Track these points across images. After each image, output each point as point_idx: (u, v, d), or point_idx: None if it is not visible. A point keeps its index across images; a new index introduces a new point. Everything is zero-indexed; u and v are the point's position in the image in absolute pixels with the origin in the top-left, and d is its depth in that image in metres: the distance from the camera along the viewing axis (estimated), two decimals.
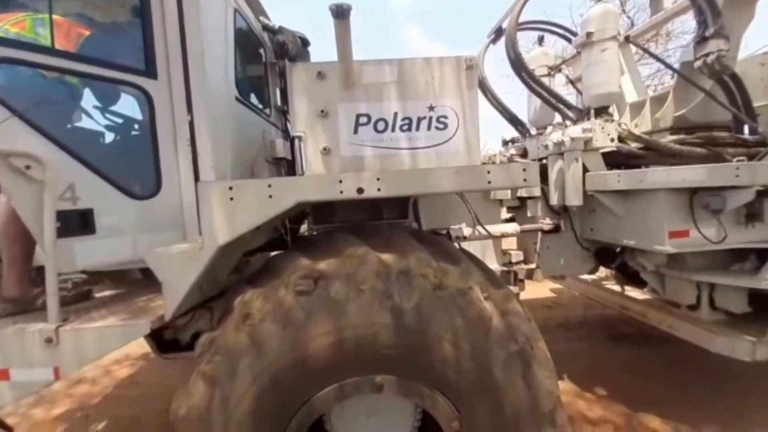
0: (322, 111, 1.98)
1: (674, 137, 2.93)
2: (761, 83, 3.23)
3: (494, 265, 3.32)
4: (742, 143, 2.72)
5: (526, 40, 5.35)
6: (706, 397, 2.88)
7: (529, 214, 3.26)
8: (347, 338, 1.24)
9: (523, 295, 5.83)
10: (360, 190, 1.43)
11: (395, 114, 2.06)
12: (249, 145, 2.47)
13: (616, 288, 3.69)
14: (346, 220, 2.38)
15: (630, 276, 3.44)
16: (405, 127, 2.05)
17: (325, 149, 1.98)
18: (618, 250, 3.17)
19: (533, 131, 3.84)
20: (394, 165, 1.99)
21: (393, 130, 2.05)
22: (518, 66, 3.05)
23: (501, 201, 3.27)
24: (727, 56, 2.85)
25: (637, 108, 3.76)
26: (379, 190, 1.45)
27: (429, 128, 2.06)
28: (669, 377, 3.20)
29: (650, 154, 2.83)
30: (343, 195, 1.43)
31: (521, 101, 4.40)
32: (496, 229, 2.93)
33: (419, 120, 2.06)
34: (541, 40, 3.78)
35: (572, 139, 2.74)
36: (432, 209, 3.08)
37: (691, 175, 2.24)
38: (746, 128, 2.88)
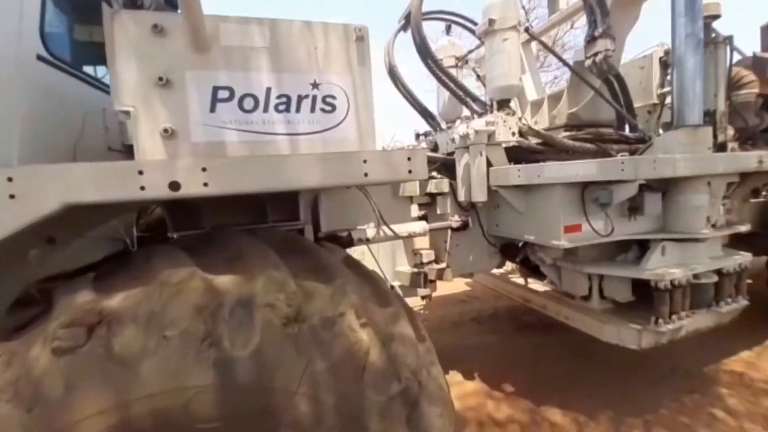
0: (161, 79, 1.46)
1: (567, 134, 3.02)
2: (640, 86, 3.54)
3: (405, 267, 3.11)
4: (625, 140, 2.90)
5: (435, 31, 5.28)
6: (600, 384, 3.05)
7: (438, 212, 3.10)
8: (138, 416, 0.80)
9: (439, 291, 5.91)
10: (174, 186, 0.99)
11: (268, 90, 1.63)
12: (70, 125, 1.81)
13: (521, 281, 3.79)
14: (219, 223, 1.89)
15: (533, 269, 3.53)
16: (282, 107, 1.64)
17: (166, 131, 1.46)
18: (521, 244, 3.19)
19: (443, 125, 3.73)
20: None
21: (266, 110, 1.62)
22: (424, 52, 2.85)
23: (411, 198, 3.06)
24: (613, 56, 3.01)
25: (536, 106, 3.89)
26: (206, 185, 1.03)
27: (313, 110, 1.68)
28: (568, 366, 3.35)
29: (548, 149, 2.86)
30: (146, 194, 0.97)
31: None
32: (403, 228, 2.69)
33: (300, 99, 1.66)
34: (448, 29, 3.68)
35: (476, 132, 2.62)
36: (332, 208, 2.72)
37: (582, 169, 2.24)
38: (627, 126, 3.09)
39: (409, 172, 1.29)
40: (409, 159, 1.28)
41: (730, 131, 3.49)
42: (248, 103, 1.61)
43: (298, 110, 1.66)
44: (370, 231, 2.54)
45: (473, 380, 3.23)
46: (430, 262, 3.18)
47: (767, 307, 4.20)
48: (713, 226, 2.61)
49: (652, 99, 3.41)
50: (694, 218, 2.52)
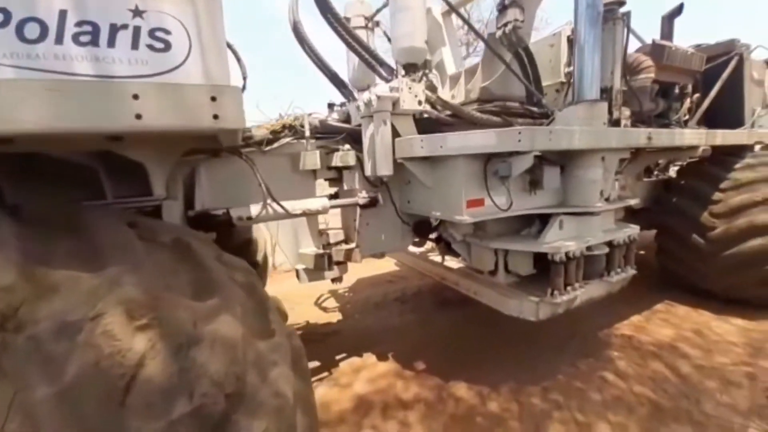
0: None
1: (476, 106, 2.92)
2: (549, 64, 3.56)
3: (310, 249, 2.84)
4: (530, 114, 2.88)
5: None
6: (507, 355, 3.12)
7: (345, 187, 2.86)
8: None
9: (366, 272, 5.78)
10: None
11: (62, 13, 1.22)
12: None
13: (439, 259, 3.74)
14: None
15: (448, 247, 3.48)
16: (85, 39, 1.24)
17: None
18: (436, 222, 3.09)
19: (356, 93, 3.45)
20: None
21: (59, 40, 1.21)
22: (323, 4, 2.51)
23: (314, 173, 2.77)
24: (523, 29, 2.94)
25: (454, 80, 3.77)
26: None
27: (135, 46, 1.29)
28: (480, 340, 3.39)
29: (457, 122, 2.74)
30: None
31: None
32: (298, 206, 2.41)
33: (114, 30, 1.27)
34: None
35: (379, 98, 2.38)
36: (214, 183, 2.35)
37: (482, 140, 2.13)
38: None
39: (215, 117, 1.00)
40: (213, 99, 0.98)
41: (626, 112, 3.68)
42: (32, 30, 1.19)
43: (111, 44, 1.27)
44: (255, 209, 2.22)
45: (386, 361, 3.12)
46: (338, 243, 2.96)
47: (656, 276, 4.72)
48: (607, 200, 2.70)
49: (560, 77, 3.46)
50: (589, 192, 2.58)
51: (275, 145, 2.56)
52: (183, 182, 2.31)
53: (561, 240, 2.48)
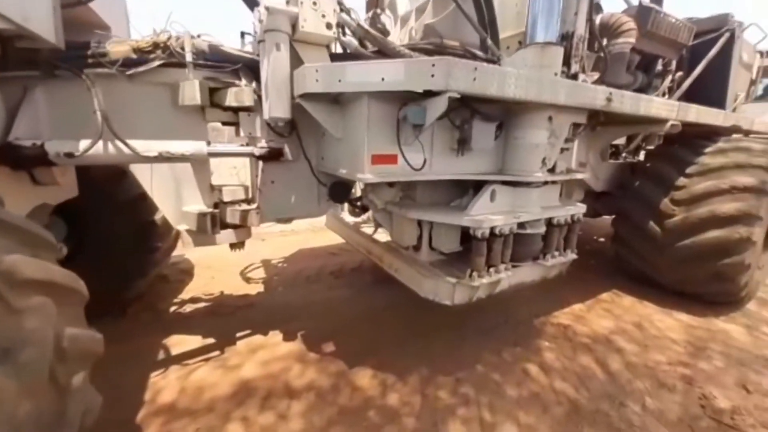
0: None
1: (407, 42, 2.40)
2: (515, 8, 3.02)
3: (197, 207, 2.35)
4: (472, 56, 2.37)
5: None
6: (430, 338, 2.78)
7: (241, 134, 2.33)
8: None
9: (311, 243, 5.34)
10: None
11: None
12: None
13: (371, 230, 3.32)
14: None
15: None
16: None
17: None
18: (356, 184, 2.63)
19: None
20: None
21: None
22: None
23: (203, 111, 2.23)
24: None
25: (404, 20, 3.20)
26: None
27: None
28: (407, 320, 3.04)
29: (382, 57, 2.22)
30: None
31: None
32: (155, 147, 1.88)
33: None
34: None
35: (269, 11, 1.83)
36: (51, 110, 1.79)
37: (388, 72, 1.63)
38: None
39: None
40: None
41: (594, 76, 3.22)
42: None
43: None
44: (84, 144, 1.69)
45: (292, 341, 2.74)
46: (235, 202, 2.46)
47: (610, 264, 4.47)
48: (551, 171, 2.29)
49: (523, 27, 2.93)
50: (529, 158, 2.15)
51: (142, 68, 2.00)
52: (6, 107, 1.75)
53: (488, 213, 2.07)
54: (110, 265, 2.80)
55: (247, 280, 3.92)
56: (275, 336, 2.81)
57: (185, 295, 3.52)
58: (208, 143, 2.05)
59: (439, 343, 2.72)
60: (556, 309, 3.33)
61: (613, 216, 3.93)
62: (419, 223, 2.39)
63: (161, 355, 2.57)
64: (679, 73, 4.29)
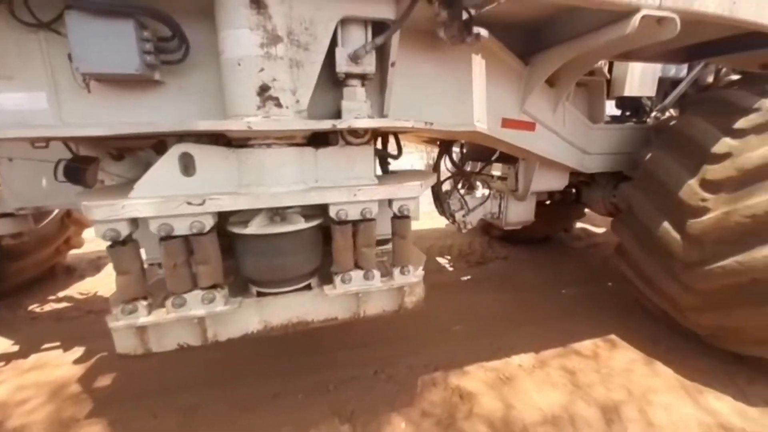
0: None
1: None
2: None
3: None
4: None
5: None
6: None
7: None
8: None
9: None
10: None
11: None
12: None
13: None
14: None
15: None
16: None
17: None
18: None
19: None
20: None
21: None
22: None
23: None
24: None
25: None
26: None
27: None
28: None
29: None
30: None
31: None
32: None
33: None
34: None
35: None
36: None
37: None
38: None
39: None
40: None
41: None
42: None
43: None
44: None
45: (79, 364, 2.13)
46: None
47: (623, 289, 2.83)
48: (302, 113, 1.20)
49: None
50: (237, 89, 1.13)
51: None
52: None
53: (147, 199, 1.12)
54: None
55: None
56: (73, 354, 2.24)
57: (69, 292, 3.24)
58: None
59: (249, 394, 1.80)
60: (482, 356, 2.07)
61: (615, 215, 2.42)
62: None
63: None
64: None
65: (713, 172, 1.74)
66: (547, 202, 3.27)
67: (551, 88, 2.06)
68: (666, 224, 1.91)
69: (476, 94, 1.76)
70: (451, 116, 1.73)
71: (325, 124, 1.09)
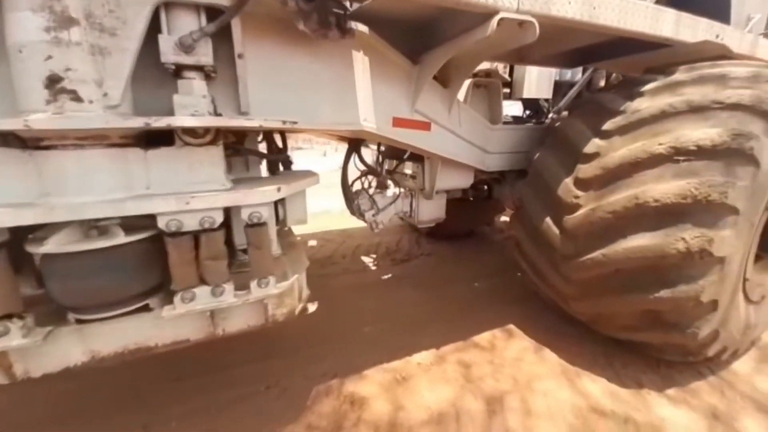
0: None
1: None
2: None
3: None
4: None
5: None
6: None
7: None
8: None
9: None
10: None
11: None
12: None
13: None
14: None
15: None
16: None
17: None
18: None
19: None
20: None
21: None
22: None
23: None
24: None
25: None
26: None
27: None
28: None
29: None
30: None
31: None
32: None
33: None
34: None
35: None
36: None
37: None
38: None
39: None
40: None
41: None
42: None
43: None
44: None
45: None
46: None
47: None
48: (116, 107, 1.05)
49: None
50: (22, 83, 0.94)
51: None
52: None
53: None
54: None
55: None
56: None
57: None
58: None
59: (108, 430, 1.59)
60: (383, 357, 2.04)
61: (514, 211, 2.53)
62: None
63: None
64: None
65: (584, 170, 1.86)
66: (471, 199, 3.37)
67: (445, 89, 2.07)
68: (548, 220, 2.01)
69: (361, 93, 1.70)
70: (336, 115, 1.66)
71: (136, 122, 0.95)
